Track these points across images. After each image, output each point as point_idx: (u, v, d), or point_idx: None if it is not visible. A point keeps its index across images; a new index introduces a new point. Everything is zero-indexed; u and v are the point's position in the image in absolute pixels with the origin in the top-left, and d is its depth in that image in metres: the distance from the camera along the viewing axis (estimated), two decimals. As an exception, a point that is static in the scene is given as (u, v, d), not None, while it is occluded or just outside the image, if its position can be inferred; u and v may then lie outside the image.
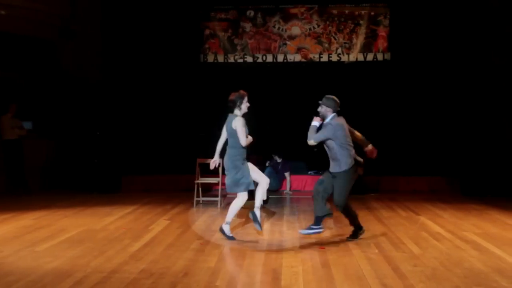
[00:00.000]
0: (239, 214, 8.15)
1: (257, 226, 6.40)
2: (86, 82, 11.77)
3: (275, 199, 9.89)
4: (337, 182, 6.10)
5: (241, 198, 6.30)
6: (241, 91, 6.35)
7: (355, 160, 6.13)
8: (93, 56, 11.81)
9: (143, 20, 12.06)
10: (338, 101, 6.24)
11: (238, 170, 6.21)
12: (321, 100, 6.23)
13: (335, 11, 12.42)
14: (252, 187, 6.26)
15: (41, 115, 11.58)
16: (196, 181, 9.03)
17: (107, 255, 5.57)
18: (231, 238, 6.32)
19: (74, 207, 8.79)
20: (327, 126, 6.12)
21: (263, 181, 6.38)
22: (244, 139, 6.21)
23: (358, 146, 6.30)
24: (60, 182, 11.33)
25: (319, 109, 6.23)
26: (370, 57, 12.34)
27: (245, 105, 6.32)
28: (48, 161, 11.41)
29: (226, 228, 6.38)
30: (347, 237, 6.41)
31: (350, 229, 7.00)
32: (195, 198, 9.01)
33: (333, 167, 6.12)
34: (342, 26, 12.39)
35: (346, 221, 7.58)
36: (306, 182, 11.18)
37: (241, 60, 12.55)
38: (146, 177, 11.34)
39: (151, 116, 12.02)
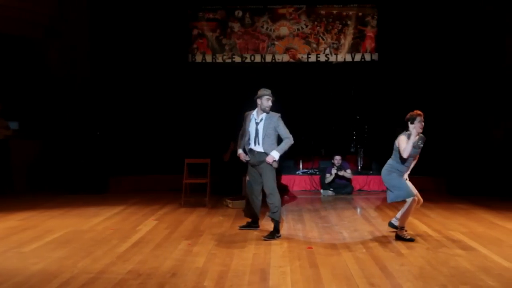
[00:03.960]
0: (229, 215, 8.17)
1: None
2: (73, 82, 11.70)
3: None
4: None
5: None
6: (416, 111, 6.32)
7: None
8: (80, 55, 11.73)
9: (131, 19, 12.01)
10: None
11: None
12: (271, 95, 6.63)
13: (323, 12, 12.47)
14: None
15: (27, 115, 11.48)
16: (184, 181, 9.00)
17: (94, 256, 5.54)
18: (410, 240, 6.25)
19: (61, 207, 8.72)
20: (279, 119, 6.57)
21: None
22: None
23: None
24: (46, 183, 11.22)
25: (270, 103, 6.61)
26: (358, 57, 12.41)
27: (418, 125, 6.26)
28: (34, 162, 11.31)
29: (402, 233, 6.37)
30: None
31: (338, 228, 7.04)
32: (183, 198, 8.98)
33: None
34: (330, 27, 12.44)
35: (335, 221, 7.64)
36: (295, 181, 11.19)
37: (229, 60, 12.55)
38: (133, 177, 11.27)
39: (138, 116, 11.98)
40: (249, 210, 6.88)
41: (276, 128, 6.52)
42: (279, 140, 6.60)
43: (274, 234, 6.43)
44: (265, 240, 6.29)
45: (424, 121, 6.25)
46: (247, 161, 6.68)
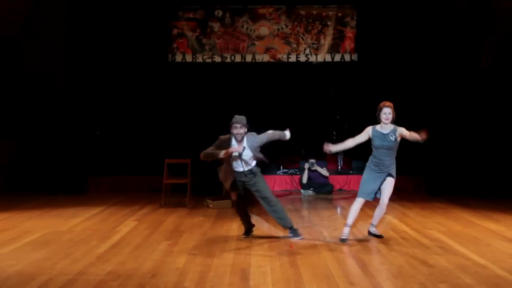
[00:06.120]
0: (209, 215, 8.15)
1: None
2: (50, 81, 11.55)
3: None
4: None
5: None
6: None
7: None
8: (58, 54, 11.58)
9: (110, 18, 11.89)
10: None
11: None
12: (239, 123, 6.02)
13: (303, 12, 12.51)
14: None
15: (3, 115, 11.28)
16: (165, 182, 8.96)
17: (73, 257, 5.48)
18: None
19: (39, 208, 8.62)
20: (256, 135, 6.20)
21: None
22: None
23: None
24: (24, 183, 11.05)
25: (244, 130, 6.08)
26: (337, 57, 12.48)
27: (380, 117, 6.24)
28: (11, 162, 11.14)
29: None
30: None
31: (319, 228, 7.08)
32: (164, 199, 8.94)
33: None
34: (310, 27, 12.48)
35: (315, 220, 7.68)
36: (275, 181, 11.21)
37: (209, 60, 12.52)
38: (113, 177, 11.17)
39: (118, 115, 11.87)
40: (246, 221, 6.60)
41: (259, 143, 6.16)
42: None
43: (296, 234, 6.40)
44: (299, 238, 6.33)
45: (394, 112, 6.16)
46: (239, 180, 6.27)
